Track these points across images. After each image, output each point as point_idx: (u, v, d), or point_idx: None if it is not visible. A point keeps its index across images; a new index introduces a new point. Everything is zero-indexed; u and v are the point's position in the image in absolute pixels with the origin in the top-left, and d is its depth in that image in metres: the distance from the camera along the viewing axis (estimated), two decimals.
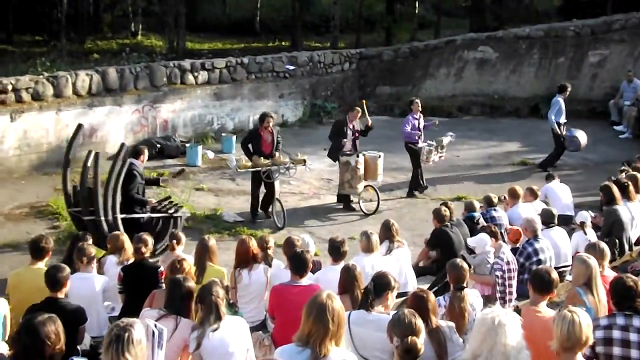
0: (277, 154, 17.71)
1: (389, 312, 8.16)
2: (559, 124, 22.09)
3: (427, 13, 50.69)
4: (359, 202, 18.90)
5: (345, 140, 19.03)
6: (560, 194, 16.95)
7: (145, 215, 15.38)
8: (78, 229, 15.03)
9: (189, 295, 8.37)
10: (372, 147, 20.46)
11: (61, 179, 16.10)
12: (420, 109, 20.07)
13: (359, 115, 19.40)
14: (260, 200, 17.98)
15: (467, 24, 46.98)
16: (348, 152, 18.86)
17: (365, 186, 18.74)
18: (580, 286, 9.08)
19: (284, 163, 17.52)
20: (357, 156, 18.52)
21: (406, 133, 19.71)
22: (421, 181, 20.19)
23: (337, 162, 19.19)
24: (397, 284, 8.55)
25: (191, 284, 8.56)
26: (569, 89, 22.70)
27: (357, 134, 19.33)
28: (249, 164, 17.01)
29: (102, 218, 14.35)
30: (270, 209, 17.74)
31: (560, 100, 22.16)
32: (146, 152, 16.06)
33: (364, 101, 20.78)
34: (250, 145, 17.75)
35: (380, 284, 8.33)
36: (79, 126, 16.61)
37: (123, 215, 14.71)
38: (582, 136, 21.92)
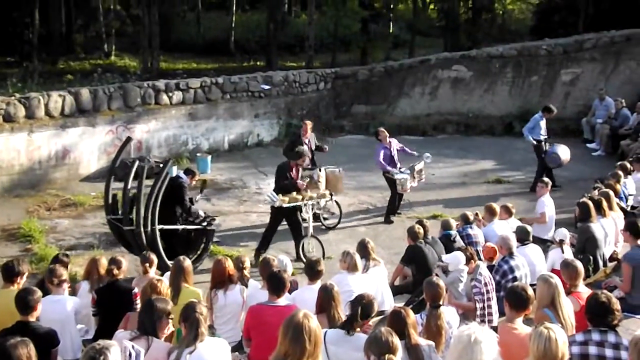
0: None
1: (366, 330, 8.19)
2: (539, 141, 22.16)
3: (401, 32, 50.84)
4: (319, 216, 18.82)
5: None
6: (551, 209, 17.10)
7: (181, 227, 15.95)
8: (115, 236, 16.27)
9: (161, 316, 8.26)
10: (348, 165, 20.54)
11: (104, 187, 16.45)
12: (387, 135, 19.89)
13: (311, 126, 19.96)
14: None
15: (441, 43, 47.17)
16: (308, 167, 18.94)
17: (327, 201, 18.61)
18: (547, 307, 9.08)
19: (311, 197, 17.22)
20: (320, 170, 18.58)
21: (379, 165, 19.67)
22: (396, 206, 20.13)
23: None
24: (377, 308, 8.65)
25: (164, 305, 8.43)
26: (554, 113, 22.77)
27: (312, 149, 19.68)
28: (286, 198, 16.64)
29: (142, 229, 14.85)
30: (301, 249, 16.87)
31: (538, 117, 22.27)
32: (197, 175, 17.10)
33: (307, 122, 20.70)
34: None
35: (368, 311, 8.41)
36: (128, 139, 17.09)
37: (161, 227, 15.25)
38: (563, 152, 21.90)
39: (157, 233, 15.07)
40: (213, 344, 7.92)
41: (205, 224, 16.31)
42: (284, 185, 16.86)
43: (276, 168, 17.48)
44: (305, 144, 19.51)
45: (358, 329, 8.28)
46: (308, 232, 16.95)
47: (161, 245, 15.09)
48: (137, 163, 16.16)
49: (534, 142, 22.22)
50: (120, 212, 15.77)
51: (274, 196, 16.37)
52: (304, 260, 15.74)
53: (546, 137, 22.45)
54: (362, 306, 8.44)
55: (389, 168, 19.38)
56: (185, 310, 7.99)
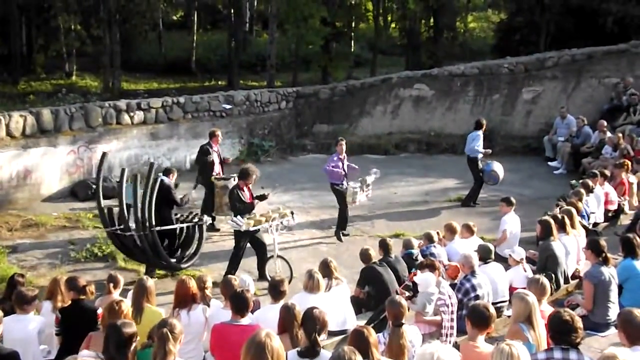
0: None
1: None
2: (477, 159, 22.33)
3: (362, 51, 51.05)
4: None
5: (211, 157, 19.99)
6: (514, 229, 17.15)
7: (177, 226, 16.93)
8: (116, 246, 16.87)
9: (126, 341, 8.13)
10: (311, 184, 20.46)
11: (96, 204, 16.77)
12: (344, 149, 19.85)
13: (220, 136, 20.78)
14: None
15: (402, 62, 47.44)
16: (224, 177, 19.47)
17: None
18: (522, 322, 9.15)
19: (273, 218, 17.04)
20: (234, 180, 18.62)
21: (327, 170, 19.56)
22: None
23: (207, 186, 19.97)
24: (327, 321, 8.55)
25: (130, 329, 8.27)
26: (485, 124, 23.05)
27: (222, 159, 20.38)
28: (251, 222, 16.48)
29: (142, 233, 15.60)
30: (266, 269, 16.80)
31: (479, 133, 22.41)
32: (175, 172, 17.83)
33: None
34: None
35: (315, 326, 8.37)
36: (104, 154, 17.13)
37: (159, 228, 16.04)
38: (499, 169, 22.19)
39: (156, 234, 15.76)
40: None
41: (197, 219, 16.99)
42: (241, 208, 16.72)
43: (228, 193, 17.40)
44: (215, 151, 20.19)
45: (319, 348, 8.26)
46: (274, 252, 16.79)
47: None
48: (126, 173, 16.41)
49: (484, 152, 22.41)
50: (117, 223, 16.28)
51: (239, 220, 16.28)
52: (269, 279, 15.78)
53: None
54: (304, 324, 8.44)
55: (335, 179, 19.43)
56: (154, 328, 7.92)
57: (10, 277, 12.46)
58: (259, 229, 16.68)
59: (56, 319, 10.62)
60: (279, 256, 16.81)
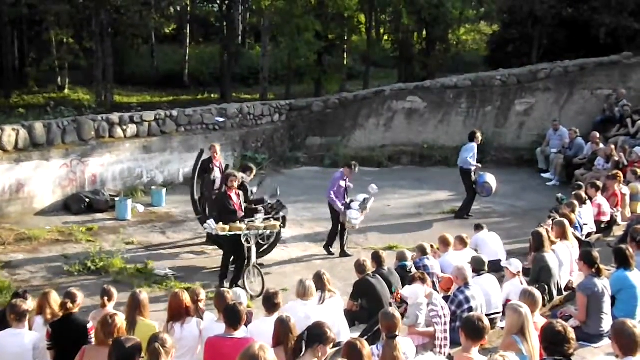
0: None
1: None
2: (470, 170, 22.36)
3: (355, 64, 51.07)
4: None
5: (214, 176, 19.79)
6: (490, 243, 17.07)
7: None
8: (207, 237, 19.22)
9: (130, 357, 8.12)
10: (304, 197, 20.39)
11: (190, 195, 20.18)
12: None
13: (220, 149, 21.26)
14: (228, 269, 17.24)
15: (395, 74, 47.49)
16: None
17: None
18: (516, 334, 9.16)
19: (258, 227, 17.07)
20: None
21: (332, 201, 19.38)
22: (343, 242, 19.82)
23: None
24: (333, 337, 8.47)
25: (133, 344, 8.14)
26: (479, 136, 23.25)
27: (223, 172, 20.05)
28: (227, 227, 16.55)
29: None
30: (243, 278, 16.75)
31: (474, 145, 22.47)
32: (254, 169, 19.92)
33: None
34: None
35: (314, 335, 8.31)
36: (202, 151, 19.89)
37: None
38: (492, 180, 22.24)
39: None
40: None
41: (273, 213, 17.63)
42: (231, 217, 16.73)
43: (214, 200, 17.39)
44: (217, 167, 20.10)
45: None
46: (250, 262, 16.82)
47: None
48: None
49: (476, 166, 22.46)
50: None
51: (212, 224, 16.34)
52: (248, 290, 15.96)
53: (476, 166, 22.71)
54: (308, 330, 8.39)
55: (340, 206, 19.28)
56: (147, 343, 7.92)
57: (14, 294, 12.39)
58: (239, 236, 16.73)
59: (47, 333, 10.59)
60: (254, 266, 16.89)
